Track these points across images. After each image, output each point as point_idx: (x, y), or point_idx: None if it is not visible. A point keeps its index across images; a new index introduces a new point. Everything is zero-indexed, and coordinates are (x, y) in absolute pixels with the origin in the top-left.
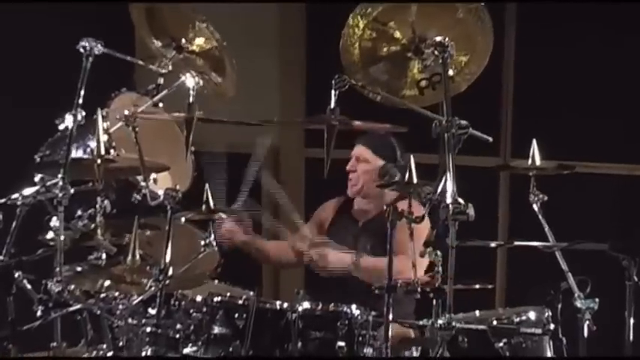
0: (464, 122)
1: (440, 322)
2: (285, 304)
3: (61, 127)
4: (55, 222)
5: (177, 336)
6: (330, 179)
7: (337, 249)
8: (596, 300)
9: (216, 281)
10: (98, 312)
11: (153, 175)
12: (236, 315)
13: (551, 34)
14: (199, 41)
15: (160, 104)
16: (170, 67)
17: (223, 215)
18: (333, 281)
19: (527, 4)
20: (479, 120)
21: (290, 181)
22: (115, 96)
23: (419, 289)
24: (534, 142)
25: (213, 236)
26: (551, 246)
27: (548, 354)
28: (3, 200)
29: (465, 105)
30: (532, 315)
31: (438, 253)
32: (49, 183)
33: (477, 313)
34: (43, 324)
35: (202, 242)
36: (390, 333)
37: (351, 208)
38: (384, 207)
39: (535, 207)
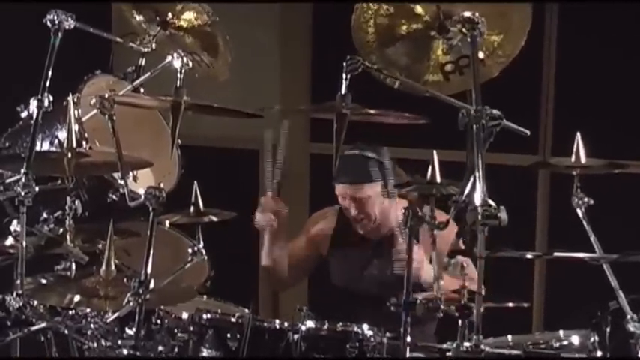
0: (496, 112)
1: (466, 345)
2: (286, 323)
3: (24, 114)
4: (16, 226)
5: None
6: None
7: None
8: None
9: (206, 296)
10: (66, 332)
11: (132, 172)
12: (228, 335)
13: (601, 12)
14: (188, 16)
15: (142, 89)
16: (154, 46)
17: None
18: (341, 297)
19: None
20: (514, 111)
21: (293, 181)
22: (89, 79)
23: (442, 307)
24: (578, 136)
25: (202, 243)
26: (598, 258)
27: None
28: None
29: (497, 93)
30: (575, 340)
31: (464, 264)
32: (9, 180)
33: (510, 337)
34: None
35: (190, 250)
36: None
37: (353, 225)
38: (402, 211)
39: (579, 212)
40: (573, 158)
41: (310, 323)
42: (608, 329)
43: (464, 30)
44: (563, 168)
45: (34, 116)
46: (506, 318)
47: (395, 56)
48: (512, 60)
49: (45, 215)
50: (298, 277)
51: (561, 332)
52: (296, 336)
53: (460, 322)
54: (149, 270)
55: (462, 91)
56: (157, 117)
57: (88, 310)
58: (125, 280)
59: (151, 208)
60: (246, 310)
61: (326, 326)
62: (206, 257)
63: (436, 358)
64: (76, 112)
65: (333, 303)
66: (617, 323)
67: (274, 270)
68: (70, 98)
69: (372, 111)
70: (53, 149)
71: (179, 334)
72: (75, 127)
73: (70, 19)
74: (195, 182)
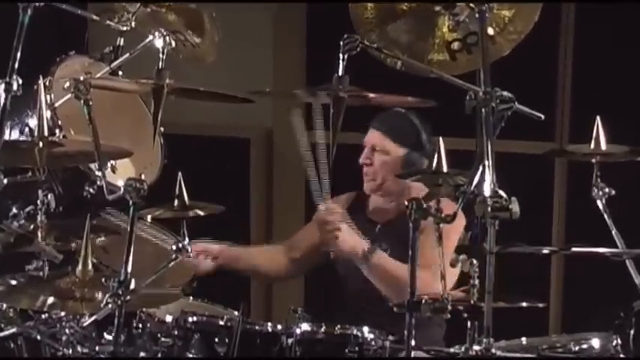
0: (507, 94)
1: (476, 349)
2: (279, 326)
3: None
4: None
5: None
6: (337, 168)
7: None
8: None
9: (191, 297)
10: (38, 338)
11: (111, 163)
12: (216, 340)
13: None
14: None
15: (120, 72)
16: (133, 24)
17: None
18: (341, 297)
19: None
20: (527, 93)
21: (287, 172)
22: (62, 61)
23: (449, 308)
24: (599, 120)
25: (187, 240)
26: (620, 253)
27: None
28: None
29: (509, 74)
30: (595, 343)
31: (474, 261)
32: None
33: (524, 339)
34: None
35: (174, 247)
36: None
37: (366, 207)
38: (407, 203)
39: (599, 203)
40: (593, 144)
41: (306, 326)
42: (631, 332)
43: (471, 4)
44: (581, 155)
45: (1, 102)
46: (519, 319)
47: (396, 34)
48: (525, 37)
49: (14, 210)
50: (306, 268)
51: (580, 335)
52: (290, 340)
53: (469, 323)
54: (129, 269)
55: (470, 72)
56: (137, 102)
57: (63, 313)
58: (103, 280)
59: (131, 202)
60: (236, 313)
61: (323, 329)
62: (192, 254)
63: (441, 358)
64: (47, 97)
65: (331, 303)
66: None
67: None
68: (40, 82)
69: (371, 94)
70: (23, 138)
71: (163, 339)
72: (47, 114)
73: None
74: (180, 173)
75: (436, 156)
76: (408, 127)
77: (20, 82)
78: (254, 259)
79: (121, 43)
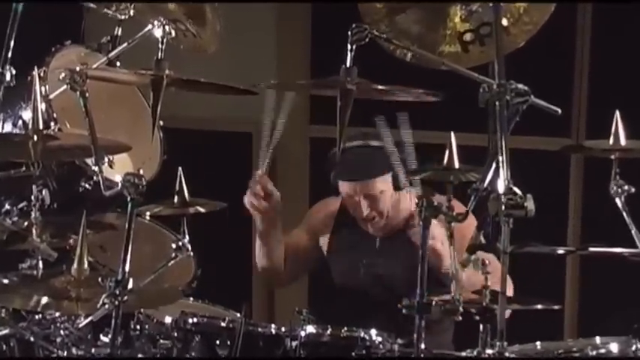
0: (522, 87)
1: (488, 353)
2: (283, 328)
3: None
4: None
5: None
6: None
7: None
8: None
9: (192, 298)
10: (32, 339)
11: (108, 157)
12: (217, 342)
13: None
14: None
15: (118, 62)
16: (131, 13)
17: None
18: (346, 298)
19: None
20: (543, 86)
21: (291, 168)
22: (57, 51)
23: (460, 309)
24: (618, 114)
25: (187, 238)
26: (639, 253)
27: None
28: None
29: (524, 66)
30: (614, 347)
31: (487, 261)
32: None
33: (539, 344)
34: None
35: (174, 246)
36: None
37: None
38: (415, 202)
39: (618, 201)
40: (612, 140)
41: (311, 328)
42: None
43: None
44: (599, 151)
45: None
46: (534, 322)
47: (406, 24)
48: (540, 28)
49: (7, 206)
50: (297, 274)
51: (598, 339)
52: (294, 343)
53: (481, 326)
54: (127, 268)
55: (483, 65)
56: (135, 94)
57: (57, 314)
58: (100, 279)
59: (129, 198)
60: (238, 314)
61: (328, 331)
62: (192, 254)
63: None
64: (42, 88)
65: (337, 304)
66: None
67: (270, 269)
68: (35, 73)
69: (380, 87)
70: (16, 131)
71: (161, 341)
72: (41, 106)
73: None
74: (180, 169)
75: (447, 152)
76: (381, 154)
77: (14, 72)
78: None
79: (119, 33)
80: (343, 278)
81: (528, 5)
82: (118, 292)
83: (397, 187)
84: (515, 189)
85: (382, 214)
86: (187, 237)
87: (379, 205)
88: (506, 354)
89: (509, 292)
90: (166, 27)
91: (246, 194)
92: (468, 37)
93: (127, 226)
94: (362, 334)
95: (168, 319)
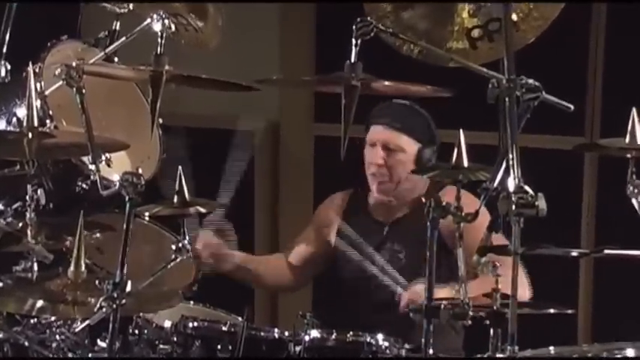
0: (533, 82)
1: (498, 358)
2: (286, 333)
3: None
4: None
5: None
6: (348, 163)
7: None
8: None
9: (192, 302)
10: (26, 344)
11: (105, 156)
12: (218, 347)
13: None
14: None
15: (116, 57)
16: (130, 6)
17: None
18: (352, 302)
19: None
20: (555, 83)
21: (294, 167)
22: (53, 46)
23: (470, 314)
24: (634, 112)
25: (188, 239)
26: None
27: None
28: None
29: (535, 63)
30: (630, 353)
31: (497, 264)
32: None
33: (552, 349)
34: None
35: (173, 247)
36: None
37: (367, 206)
38: (422, 199)
39: (634, 202)
40: (628, 138)
41: (315, 332)
42: None
43: None
44: (615, 150)
45: None
46: (547, 327)
47: (413, 20)
48: (552, 23)
49: (1, 206)
50: (310, 275)
51: (613, 344)
52: (298, 348)
53: (492, 331)
54: (125, 271)
55: (494, 62)
56: (134, 91)
57: (53, 318)
58: (97, 282)
59: (127, 198)
60: (240, 318)
61: (333, 336)
62: (192, 255)
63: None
64: (37, 84)
65: (342, 307)
66: None
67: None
68: (30, 68)
69: (386, 82)
70: (11, 128)
71: (161, 346)
72: (36, 103)
73: None
74: (180, 168)
75: (456, 150)
76: (420, 119)
77: (8, 68)
78: (259, 268)
79: (117, 27)
80: (347, 271)
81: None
82: (115, 295)
83: (419, 162)
84: (526, 187)
85: (392, 178)
86: (187, 238)
87: (395, 162)
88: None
89: (527, 293)
90: (166, 21)
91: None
92: (476, 33)
93: (125, 226)
94: (368, 339)
95: (167, 324)
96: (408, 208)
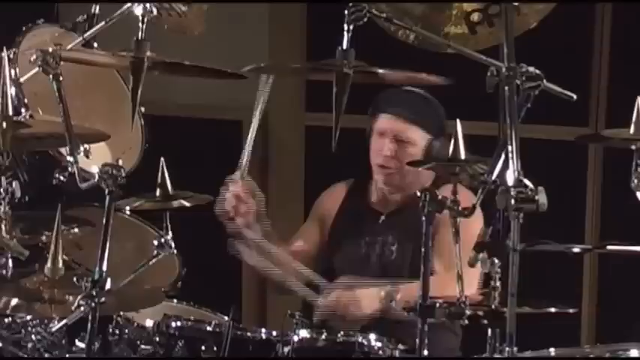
0: (533, 70)
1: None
2: (274, 333)
3: None
4: None
5: None
6: (340, 155)
7: (353, 280)
8: None
9: (175, 300)
10: (0, 344)
11: (84, 146)
12: (203, 348)
13: None
14: None
15: (95, 43)
16: None
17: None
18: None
19: None
20: (558, 71)
21: (284, 159)
22: (28, 30)
23: (467, 313)
24: (639, 101)
25: (170, 234)
26: None
27: None
28: None
29: (536, 49)
30: (634, 354)
31: (495, 260)
32: None
33: (553, 350)
34: None
35: (156, 243)
36: None
37: (367, 196)
38: (417, 192)
39: (639, 195)
40: (632, 129)
41: (304, 332)
42: None
43: None
44: (619, 141)
45: None
46: (548, 327)
47: (409, 4)
48: (555, 8)
49: None
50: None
51: (616, 345)
52: (287, 348)
53: (489, 331)
54: (105, 267)
55: (492, 47)
56: (114, 78)
57: (29, 317)
58: (75, 280)
59: (107, 191)
60: (226, 317)
61: (324, 336)
62: (176, 252)
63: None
64: (12, 71)
65: None
66: None
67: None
68: (4, 54)
69: (380, 70)
70: None
71: (142, 347)
72: (11, 90)
73: None
74: (163, 159)
75: (453, 141)
76: (432, 110)
77: None
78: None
79: (96, 11)
80: (342, 265)
81: None
82: (94, 293)
83: (428, 154)
84: (526, 181)
85: (401, 169)
86: (170, 233)
87: (403, 155)
88: None
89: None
90: (148, 5)
91: (219, 198)
92: (475, 17)
93: (104, 221)
94: (360, 339)
95: (149, 323)
96: (406, 200)
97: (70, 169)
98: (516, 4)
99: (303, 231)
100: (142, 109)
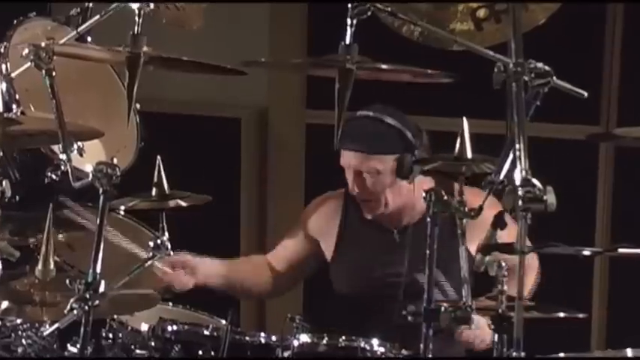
0: (542, 66)
1: None
2: (274, 337)
3: None
4: None
5: None
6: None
7: None
8: None
9: (171, 303)
10: None
11: (77, 144)
12: (200, 352)
13: None
14: None
15: (89, 37)
16: None
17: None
18: (345, 304)
19: None
20: (568, 68)
21: (284, 158)
22: (20, 24)
23: (473, 317)
24: None
25: (167, 235)
26: None
27: None
28: None
29: (545, 46)
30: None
31: (502, 263)
32: None
33: (562, 355)
34: None
35: (151, 244)
36: None
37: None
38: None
39: None
40: None
41: (305, 337)
42: None
43: None
44: (631, 140)
45: None
46: (557, 332)
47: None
48: (565, 4)
49: None
50: (292, 284)
51: (629, 351)
52: (287, 353)
53: (496, 336)
54: (98, 269)
55: (499, 44)
56: (108, 74)
57: (19, 321)
58: (67, 282)
59: (101, 191)
60: (223, 321)
61: (325, 341)
62: (172, 253)
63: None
64: (3, 66)
65: (336, 309)
66: None
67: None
68: None
69: (384, 66)
70: None
71: (137, 352)
72: (2, 86)
73: None
74: (159, 157)
75: (459, 140)
76: (389, 133)
77: None
78: (239, 274)
79: (90, 4)
80: (350, 284)
81: None
82: (88, 296)
83: (401, 174)
84: (534, 180)
85: (377, 200)
86: (167, 234)
87: (371, 186)
88: None
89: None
90: None
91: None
92: (481, 13)
93: (98, 222)
94: (362, 344)
95: (144, 327)
96: (418, 212)
97: (62, 167)
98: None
99: (290, 238)
100: (138, 105)
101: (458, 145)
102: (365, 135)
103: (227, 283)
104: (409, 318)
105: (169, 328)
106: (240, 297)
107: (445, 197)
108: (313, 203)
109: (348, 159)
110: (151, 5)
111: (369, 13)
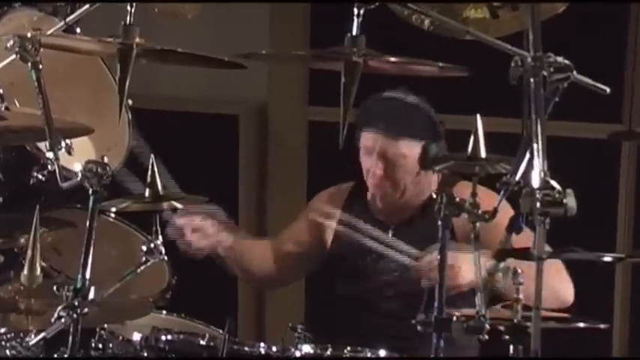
0: (562, 61)
1: None
2: (274, 348)
3: None
4: None
5: None
6: (347, 152)
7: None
8: None
9: (165, 311)
10: None
11: (65, 142)
12: None
13: None
14: None
15: (78, 28)
16: None
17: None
18: (349, 312)
19: None
20: (589, 62)
21: (284, 156)
22: (4, 14)
23: (487, 326)
24: None
25: (160, 239)
26: None
27: None
28: None
29: (566, 37)
30: None
31: (518, 270)
32: None
33: None
34: None
35: (144, 248)
36: None
37: (370, 204)
38: (433, 195)
39: None
40: None
41: (307, 347)
42: None
43: None
44: None
45: None
46: (577, 343)
47: None
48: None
49: None
50: (293, 275)
51: None
52: None
53: (511, 347)
54: (88, 275)
55: (516, 34)
56: (98, 67)
57: (3, 330)
58: (55, 288)
59: (90, 191)
60: (221, 331)
61: (329, 351)
62: (166, 258)
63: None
64: None
65: (339, 318)
66: None
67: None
68: None
69: (392, 59)
70: None
71: None
72: None
73: None
74: (152, 156)
75: (472, 138)
76: (419, 116)
77: None
78: (248, 251)
79: None
80: (348, 283)
81: None
82: (76, 303)
83: (424, 163)
84: (553, 183)
85: (397, 186)
86: (160, 238)
87: (396, 171)
88: None
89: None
90: None
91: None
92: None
93: (87, 224)
94: (368, 354)
95: (136, 337)
96: (416, 209)
97: (50, 166)
98: None
99: (292, 231)
100: (130, 101)
101: (471, 144)
102: (392, 115)
103: (235, 258)
104: (418, 328)
105: (163, 338)
106: (246, 279)
107: (457, 199)
108: (318, 195)
109: (373, 141)
110: None
111: (377, 3)
